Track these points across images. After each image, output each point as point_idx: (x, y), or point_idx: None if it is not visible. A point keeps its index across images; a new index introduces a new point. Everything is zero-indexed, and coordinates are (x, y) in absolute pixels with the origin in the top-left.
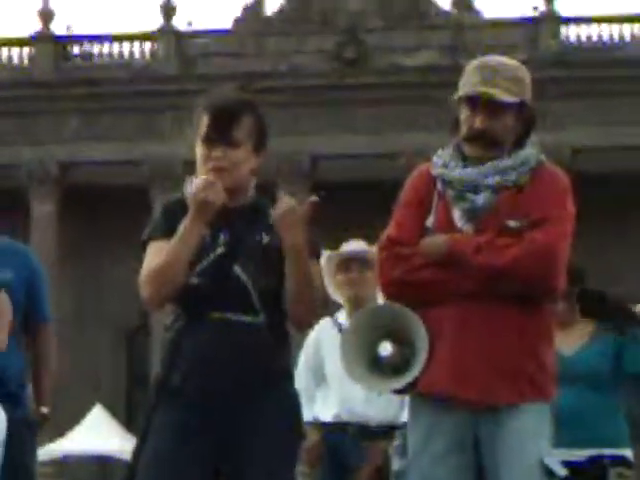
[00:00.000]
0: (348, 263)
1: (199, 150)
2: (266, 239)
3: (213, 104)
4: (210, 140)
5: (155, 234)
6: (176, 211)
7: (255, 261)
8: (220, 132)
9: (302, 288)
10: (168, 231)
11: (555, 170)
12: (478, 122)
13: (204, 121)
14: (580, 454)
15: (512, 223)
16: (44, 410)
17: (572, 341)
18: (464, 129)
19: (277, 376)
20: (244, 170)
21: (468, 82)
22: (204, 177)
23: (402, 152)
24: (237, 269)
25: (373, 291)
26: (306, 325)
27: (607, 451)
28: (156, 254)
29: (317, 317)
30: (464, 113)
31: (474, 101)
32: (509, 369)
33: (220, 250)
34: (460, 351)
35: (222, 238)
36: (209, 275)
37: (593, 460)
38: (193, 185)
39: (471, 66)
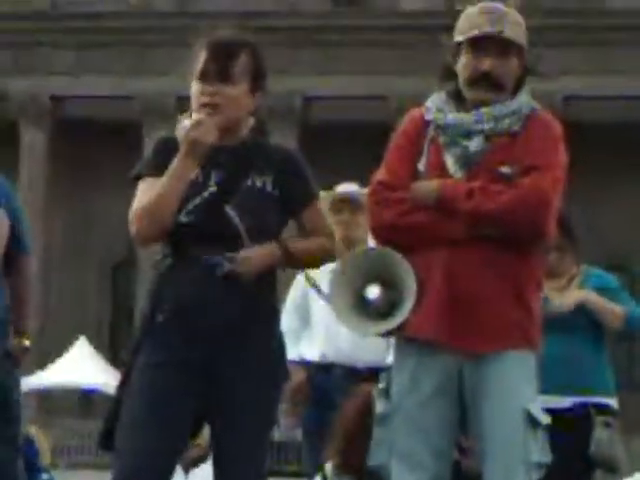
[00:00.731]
0: (340, 205)
1: (194, 86)
2: (259, 183)
3: (212, 40)
4: (205, 76)
5: (146, 171)
6: (167, 149)
7: (246, 202)
8: (216, 68)
9: (313, 258)
10: (159, 169)
11: (548, 118)
12: (487, 63)
13: (201, 57)
14: (565, 400)
15: (504, 169)
16: (26, 343)
17: (561, 290)
18: (466, 72)
19: (263, 315)
20: (239, 108)
21: (472, 25)
22: (196, 116)
23: (395, 95)
24: (228, 209)
25: (364, 233)
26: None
27: (592, 399)
28: (146, 191)
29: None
30: (466, 57)
31: (479, 43)
32: (496, 315)
33: (212, 189)
34: (447, 296)
35: (214, 178)
36: (200, 214)
37: (578, 407)
38: (184, 124)
39: (472, 10)
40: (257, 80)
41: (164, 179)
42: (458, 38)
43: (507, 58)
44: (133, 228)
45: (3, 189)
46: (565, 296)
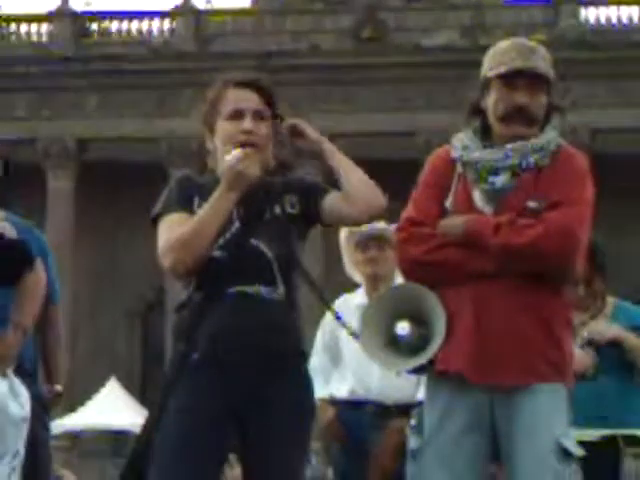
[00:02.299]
0: (367, 241)
1: (225, 126)
2: (278, 210)
3: (241, 79)
4: (241, 115)
5: (171, 207)
6: (189, 186)
7: (271, 233)
8: (256, 105)
9: (353, 177)
10: (183, 205)
11: (574, 152)
12: (521, 98)
13: (229, 97)
14: (594, 434)
15: (532, 204)
16: (58, 388)
17: (586, 323)
18: (500, 107)
19: (293, 351)
20: (269, 149)
21: (504, 60)
22: (241, 149)
23: (420, 131)
24: (255, 241)
25: (392, 270)
26: (377, 211)
27: (621, 431)
28: (176, 225)
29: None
30: (499, 92)
31: (513, 78)
32: (526, 349)
33: (238, 223)
34: (478, 332)
35: (238, 211)
36: (230, 248)
37: (607, 439)
38: (230, 156)
39: (502, 46)
40: (276, 118)
41: (204, 211)
42: (489, 74)
43: (539, 93)
44: (168, 260)
45: (39, 240)
46: (599, 325)
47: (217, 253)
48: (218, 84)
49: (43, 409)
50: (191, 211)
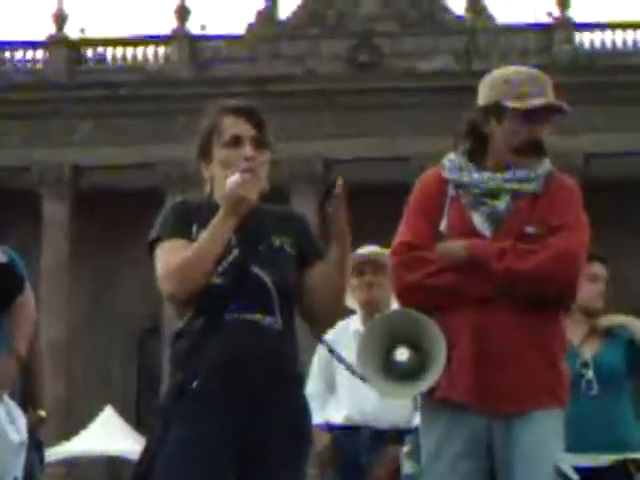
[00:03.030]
0: (362, 267)
1: (224, 153)
2: (277, 242)
3: (243, 107)
4: (241, 142)
5: (167, 233)
6: (186, 213)
7: (269, 260)
8: (255, 133)
9: (339, 275)
10: (180, 230)
11: (567, 178)
12: (540, 132)
13: (226, 123)
14: (603, 458)
15: (530, 229)
16: (42, 413)
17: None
18: (517, 140)
19: (291, 378)
20: (265, 173)
21: (523, 92)
22: (240, 175)
23: (415, 156)
24: (255, 269)
25: (387, 295)
26: (331, 318)
27: (631, 455)
28: (174, 251)
29: (340, 314)
30: (514, 124)
31: (533, 113)
32: (525, 376)
33: (235, 251)
34: (478, 358)
35: (236, 239)
36: (230, 275)
37: (617, 464)
38: (230, 181)
39: (516, 75)
40: (267, 145)
41: (203, 237)
42: (508, 104)
43: (549, 125)
44: (167, 286)
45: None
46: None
47: (216, 280)
48: (212, 111)
49: (30, 434)
50: (189, 237)
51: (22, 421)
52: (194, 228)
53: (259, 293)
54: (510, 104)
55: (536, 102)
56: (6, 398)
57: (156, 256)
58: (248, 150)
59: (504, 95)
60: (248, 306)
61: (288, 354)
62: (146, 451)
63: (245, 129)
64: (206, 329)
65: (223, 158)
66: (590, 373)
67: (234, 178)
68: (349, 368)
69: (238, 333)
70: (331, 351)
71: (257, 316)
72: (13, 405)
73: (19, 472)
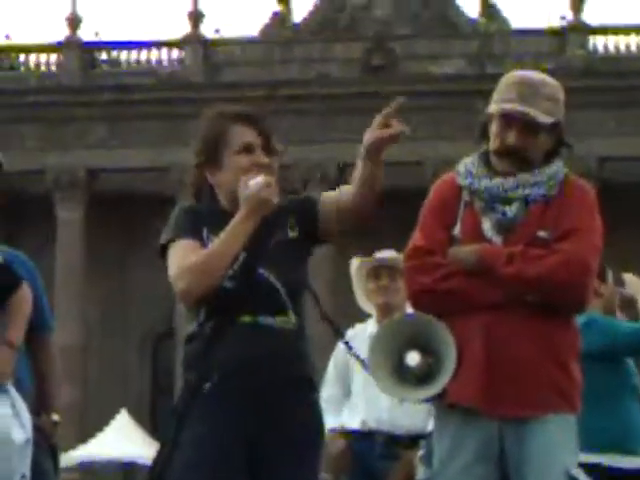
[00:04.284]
0: (378, 271)
1: (237, 159)
2: (281, 236)
3: (249, 115)
4: (252, 149)
5: (181, 234)
6: (196, 217)
7: (277, 260)
8: (262, 141)
9: (368, 190)
10: (192, 232)
11: (582, 183)
12: (511, 139)
13: (236, 130)
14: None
15: (542, 234)
16: (55, 418)
17: None
18: (496, 142)
19: (303, 380)
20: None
21: (504, 97)
22: (263, 177)
23: (429, 160)
24: (262, 271)
25: (403, 299)
26: (368, 213)
27: None
28: (189, 251)
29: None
30: (497, 126)
31: (509, 117)
32: (536, 380)
33: (243, 254)
34: (487, 362)
35: (246, 241)
36: (239, 279)
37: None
38: (252, 183)
39: (509, 80)
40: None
41: (223, 236)
42: (491, 106)
43: (533, 136)
44: (182, 285)
45: (27, 266)
46: None
47: (226, 283)
48: (214, 118)
49: (44, 439)
50: (201, 240)
51: (26, 415)
52: (205, 232)
53: (269, 295)
54: (491, 108)
55: (505, 107)
56: (11, 389)
57: (169, 256)
58: (262, 157)
59: (494, 98)
60: (259, 308)
61: (300, 355)
62: (160, 452)
63: (254, 136)
64: (217, 332)
65: (238, 164)
66: None
67: (256, 181)
68: (365, 366)
69: (249, 336)
70: (347, 345)
71: (269, 319)
72: (17, 397)
73: (27, 470)
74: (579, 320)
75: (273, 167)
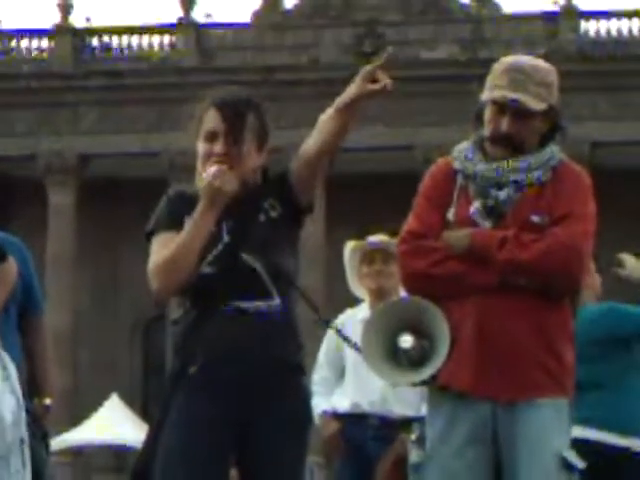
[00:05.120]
0: (372, 255)
1: (201, 146)
2: (262, 218)
3: (219, 101)
4: (215, 137)
5: (160, 226)
6: (180, 203)
7: (260, 244)
8: (225, 130)
9: (337, 140)
10: (172, 223)
11: (577, 168)
12: (504, 125)
13: (208, 118)
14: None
15: (535, 218)
16: (47, 402)
17: None
18: (489, 129)
19: (290, 364)
20: (247, 167)
21: (496, 84)
22: (217, 166)
23: (420, 145)
24: (244, 255)
25: (397, 283)
26: (330, 157)
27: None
28: (163, 246)
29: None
30: (490, 112)
31: (501, 104)
32: (529, 364)
33: (226, 239)
34: (480, 346)
35: (227, 226)
36: (220, 264)
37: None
38: (206, 173)
39: (500, 66)
40: (263, 139)
41: (185, 231)
42: (484, 93)
43: (526, 122)
44: (154, 283)
45: (17, 247)
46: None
47: (207, 269)
48: (205, 103)
49: (36, 423)
50: (180, 231)
51: (14, 376)
52: (187, 221)
53: (251, 279)
54: (484, 95)
55: (497, 94)
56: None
57: (150, 250)
58: (219, 147)
59: (486, 85)
60: (242, 293)
61: (285, 337)
62: (148, 435)
63: (219, 124)
64: (201, 317)
65: (201, 152)
66: None
67: (210, 170)
68: (357, 349)
69: (234, 321)
70: (338, 331)
71: (252, 303)
72: (7, 358)
73: (24, 434)
74: (601, 308)
75: (234, 155)
